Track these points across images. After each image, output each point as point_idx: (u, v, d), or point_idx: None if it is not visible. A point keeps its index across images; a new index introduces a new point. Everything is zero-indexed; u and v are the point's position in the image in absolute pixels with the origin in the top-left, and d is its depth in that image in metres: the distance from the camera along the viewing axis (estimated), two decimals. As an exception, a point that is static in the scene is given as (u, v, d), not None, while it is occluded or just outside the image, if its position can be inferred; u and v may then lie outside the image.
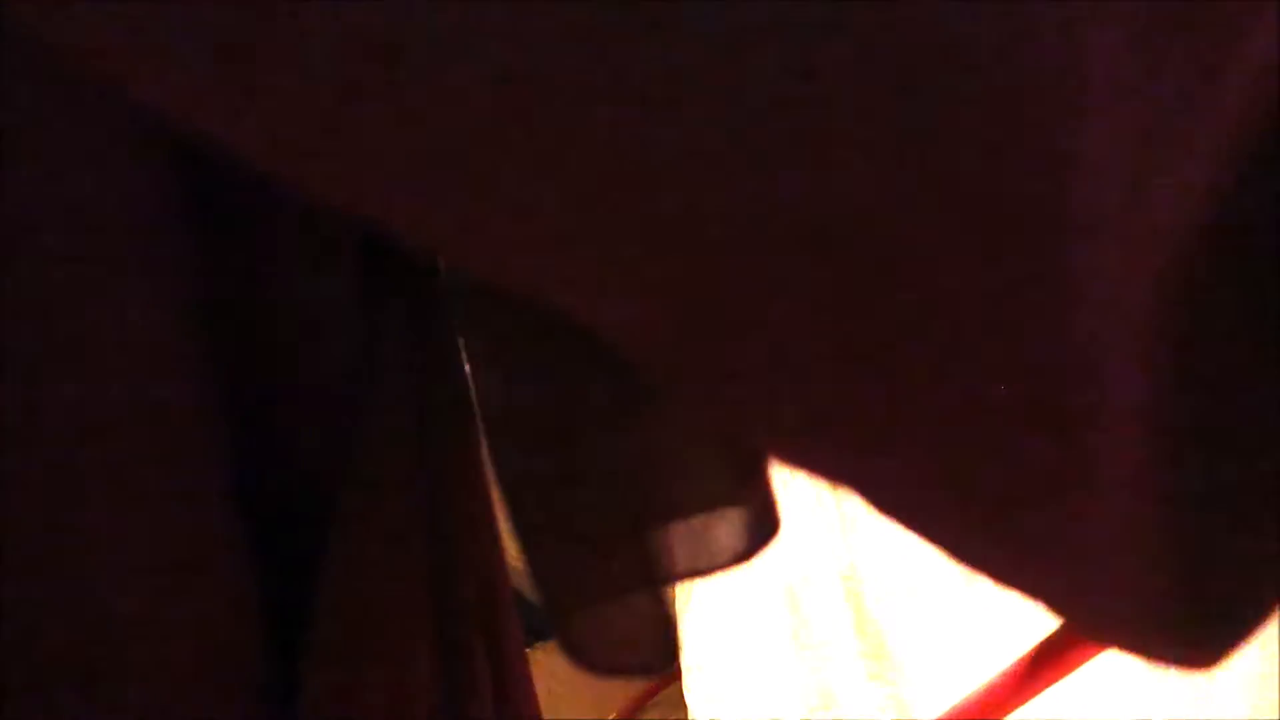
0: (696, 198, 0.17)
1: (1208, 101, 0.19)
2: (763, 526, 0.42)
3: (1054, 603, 0.24)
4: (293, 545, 0.30)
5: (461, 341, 0.37)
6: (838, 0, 0.16)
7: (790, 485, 0.47)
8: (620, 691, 1.27)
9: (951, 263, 0.18)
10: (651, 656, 0.43)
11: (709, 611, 1.15)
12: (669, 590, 0.43)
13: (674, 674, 1.13)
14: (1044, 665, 0.65)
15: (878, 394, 0.20)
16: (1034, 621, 1.16)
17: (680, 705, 1.18)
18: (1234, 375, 0.23)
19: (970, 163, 0.17)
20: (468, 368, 0.37)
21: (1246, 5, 0.19)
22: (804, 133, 0.16)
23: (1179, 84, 0.18)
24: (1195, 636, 0.24)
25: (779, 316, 0.19)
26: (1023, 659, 0.66)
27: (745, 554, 0.42)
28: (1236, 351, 0.23)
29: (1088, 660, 0.63)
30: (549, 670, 0.41)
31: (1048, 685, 0.66)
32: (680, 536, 0.41)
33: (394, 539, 0.31)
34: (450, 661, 0.33)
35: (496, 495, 0.39)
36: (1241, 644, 0.24)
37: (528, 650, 0.41)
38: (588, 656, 0.42)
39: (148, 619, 0.25)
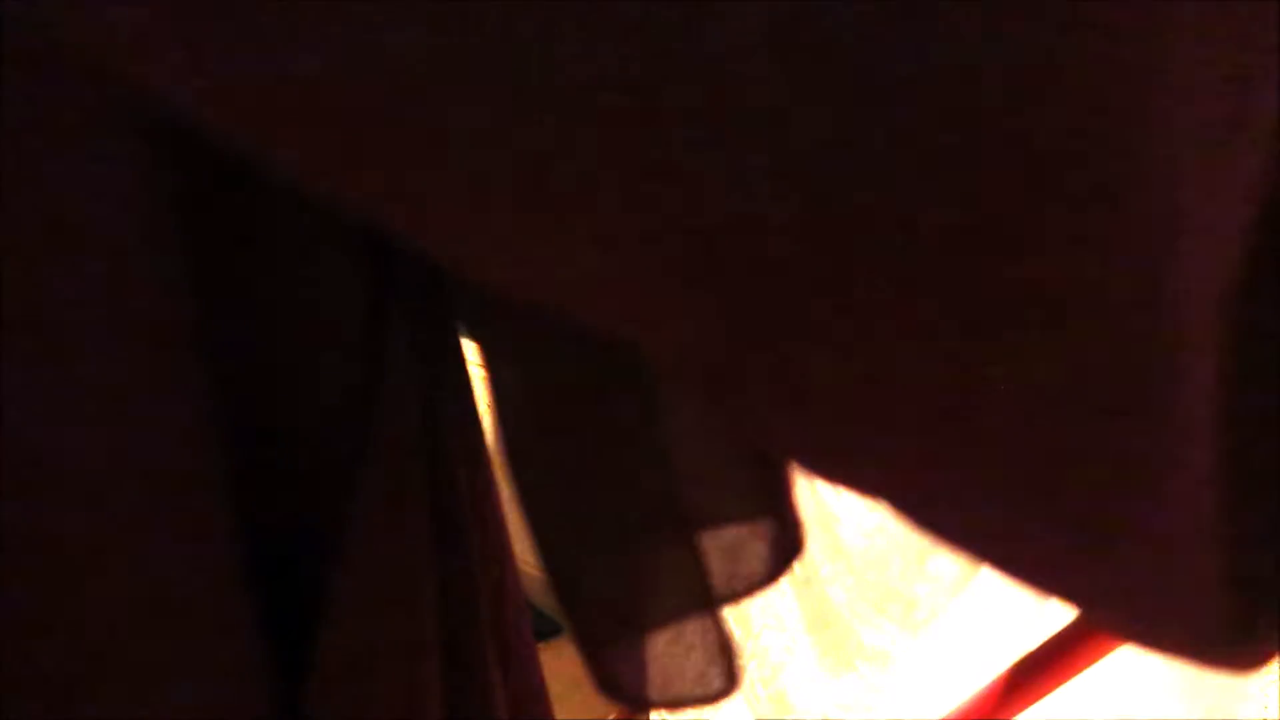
0: (747, 206, 0.17)
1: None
2: (788, 544, 0.41)
3: (1101, 607, 0.24)
4: (295, 556, 0.30)
5: (470, 340, 0.36)
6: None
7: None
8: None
9: (1038, 245, 0.17)
10: (708, 686, 0.41)
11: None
12: (716, 615, 0.41)
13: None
14: (1047, 668, 0.65)
15: (955, 405, 0.19)
16: (993, 612, 1.16)
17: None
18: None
19: (1053, 145, 0.16)
20: (484, 369, 0.37)
21: None
22: (886, 127, 0.16)
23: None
24: (1239, 638, 0.23)
25: (838, 325, 0.18)
26: (1020, 663, 0.66)
27: (773, 574, 0.41)
28: None
29: (1087, 665, 0.62)
30: (549, 671, 0.41)
31: (1050, 689, 0.65)
32: (710, 557, 0.40)
33: (405, 548, 0.30)
34: (462, 673, 0.33)
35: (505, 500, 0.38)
36: None
37: (528, 651, 0.41)
38: (634, 695, 0.40)
39: (138, 635, 0.25)
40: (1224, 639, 0.23)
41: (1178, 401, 0.19)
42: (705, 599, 0.40)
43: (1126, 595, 0.22)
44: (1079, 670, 0.63)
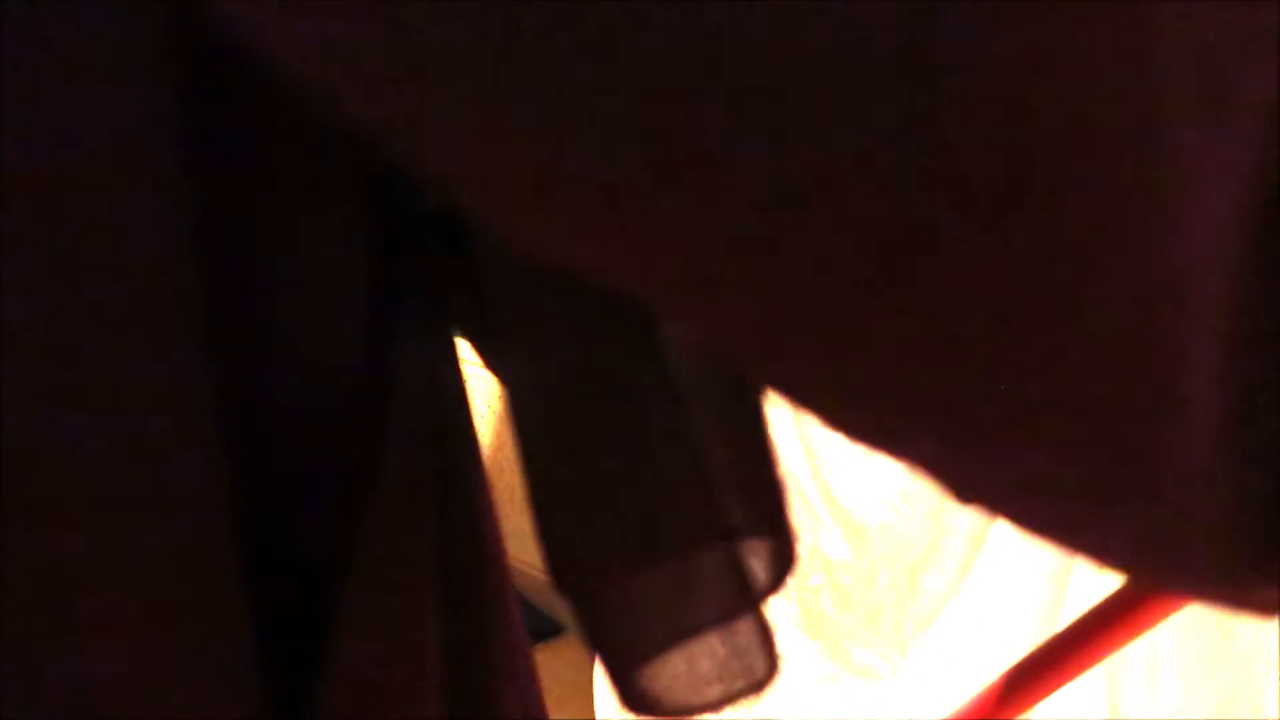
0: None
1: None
2: (784, 556, 0.40)
3: (1130, 558, 0.24)
4: (296, 564, 0.29)
5: (484, 349, 0.36)
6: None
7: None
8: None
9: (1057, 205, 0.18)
10: (751, 675, 0.40)
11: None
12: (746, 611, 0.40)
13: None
14: (1047, 669, 0.65)
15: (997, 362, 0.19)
16: (982, 622, 1.15)
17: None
18: None
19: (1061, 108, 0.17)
20: (502, 382, 0.36)
21: None
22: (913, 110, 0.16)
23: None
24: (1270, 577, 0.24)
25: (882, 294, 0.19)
26: (1020, 664, 0.66)
27: (771, 586, 0.40)
28: None
29: (1088, 666, 0.63)
30: (549, 670, 0.41)
31: (1050, 690, 0.65)
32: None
33: (415, 552, 0.30)
34: (468, 675, 0.32)
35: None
36: None
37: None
38: (665, 707, 0.38)
39: (134, 632, 0.24)
40: (1256, 580, 0.23)
41: (1189, 352, 0.20)
42: (734, 607, 0.39)
43: (1156, 546, 0.23)
44: (1080, 671, 0.63)
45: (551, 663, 0.41)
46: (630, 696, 0.38)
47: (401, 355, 0.31)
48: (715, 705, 0.40)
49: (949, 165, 0.17)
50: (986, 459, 0.21)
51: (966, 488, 0.22)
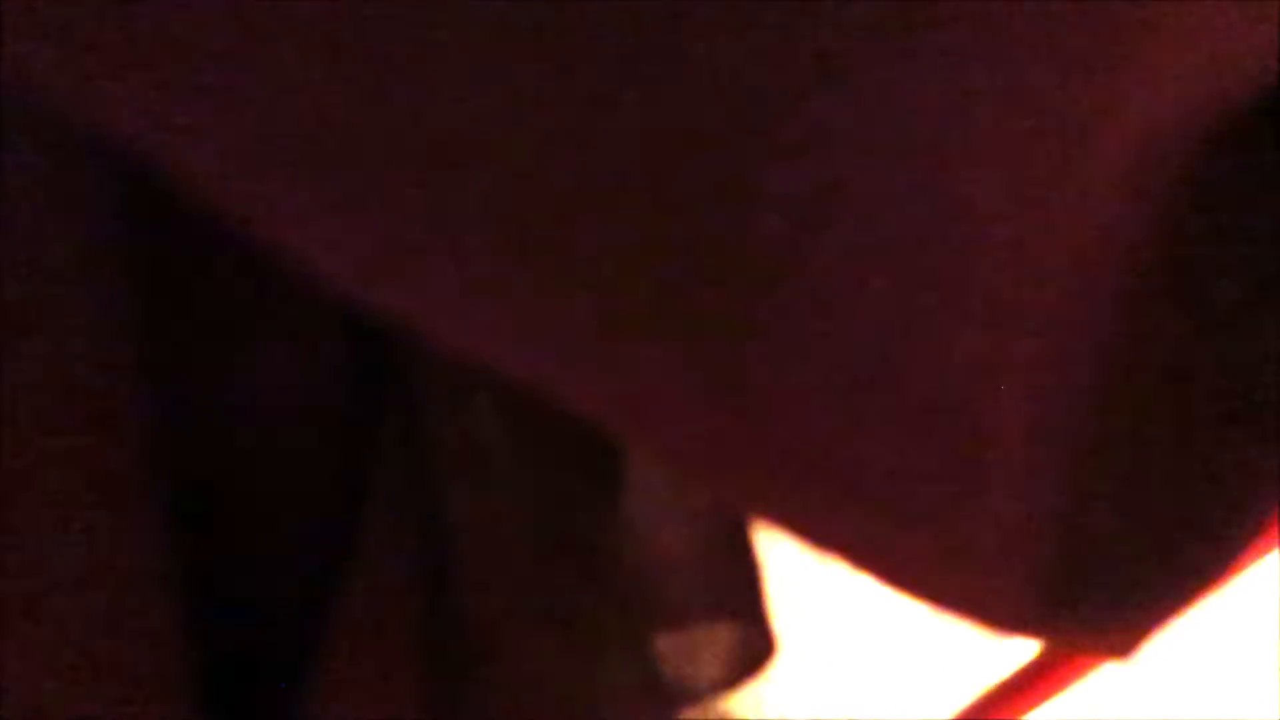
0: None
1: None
2: (754, 647, 0.41)
3: (939, 595, 0.24)
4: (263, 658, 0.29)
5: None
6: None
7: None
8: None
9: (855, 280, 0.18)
10: None
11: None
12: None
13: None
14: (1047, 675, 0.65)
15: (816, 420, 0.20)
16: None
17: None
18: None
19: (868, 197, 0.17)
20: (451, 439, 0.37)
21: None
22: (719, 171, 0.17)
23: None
24: (1106, 622, 0.24)
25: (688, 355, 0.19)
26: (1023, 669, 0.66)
27: (735, 677, 0.41)
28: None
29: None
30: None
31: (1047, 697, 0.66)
32: (672, 657, 0.40)
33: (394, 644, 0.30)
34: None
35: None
36: (1154, 631, 0.24)
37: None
38: None
39: None
40: (1087, 624, 0.24)
41: (997, 433, 0.20)
42: (656, 694, 0.40)
43: (962, 583, 0.23)
44: (1072, 681, 0.63)
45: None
46: None
47: (390, 439, 0.31)
48: None
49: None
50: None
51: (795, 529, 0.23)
